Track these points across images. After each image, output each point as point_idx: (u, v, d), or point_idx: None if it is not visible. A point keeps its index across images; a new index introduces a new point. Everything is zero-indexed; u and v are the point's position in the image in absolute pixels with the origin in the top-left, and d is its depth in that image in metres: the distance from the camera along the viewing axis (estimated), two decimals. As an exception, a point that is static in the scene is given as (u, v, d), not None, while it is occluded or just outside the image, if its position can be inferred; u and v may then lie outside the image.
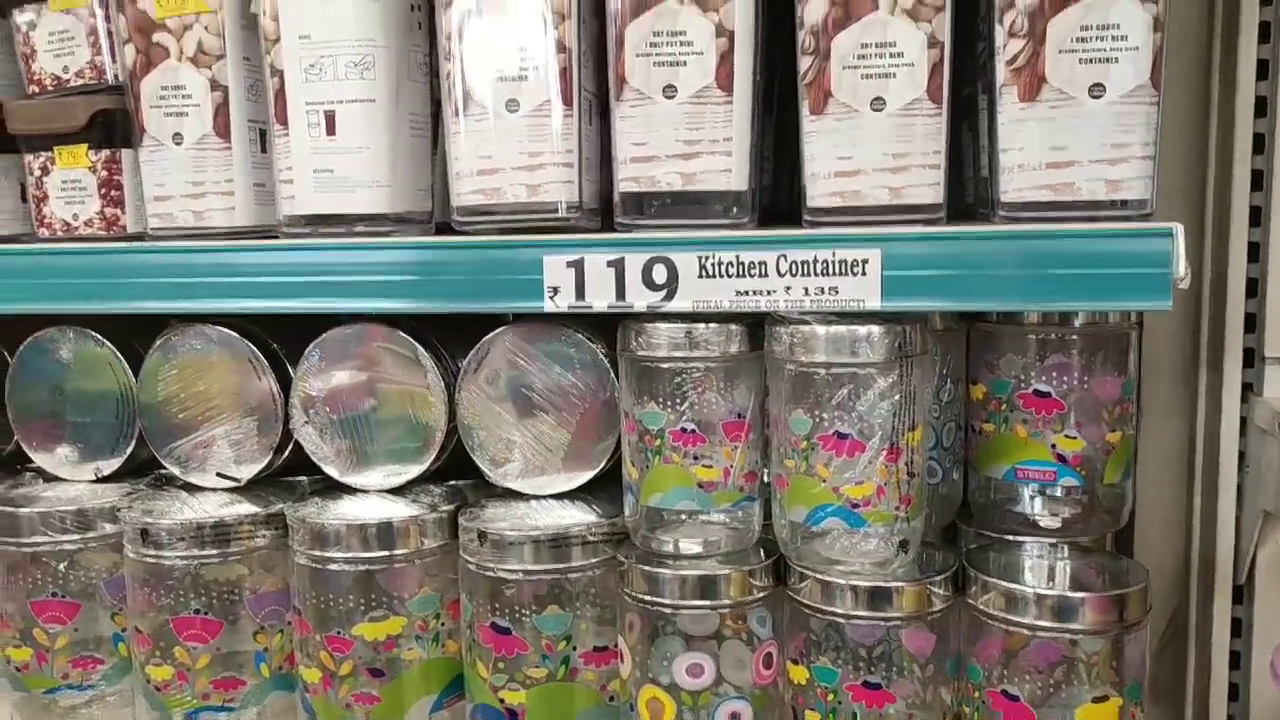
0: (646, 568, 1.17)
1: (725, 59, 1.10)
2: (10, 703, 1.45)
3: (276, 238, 1.26)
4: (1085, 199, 1.01)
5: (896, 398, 1.07)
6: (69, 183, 1.37)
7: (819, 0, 1.07)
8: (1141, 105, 0.99)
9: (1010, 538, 1.21)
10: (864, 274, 1.05)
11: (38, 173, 1.38)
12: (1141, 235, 0.97)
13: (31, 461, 1.51)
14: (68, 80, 1.38)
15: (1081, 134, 1.00)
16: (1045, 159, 1.02)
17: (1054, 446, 1.17)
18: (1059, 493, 1.19)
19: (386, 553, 1.27)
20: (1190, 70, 1.37)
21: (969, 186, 1.27)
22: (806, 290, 1.07)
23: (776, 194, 1.37)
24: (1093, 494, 1.19)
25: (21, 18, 1.38)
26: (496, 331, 1.28)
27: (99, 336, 1.43)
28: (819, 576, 1.13)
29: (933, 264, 1.03)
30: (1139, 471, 1.33)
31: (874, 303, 1.05)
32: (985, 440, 1.20)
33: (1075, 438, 1.17)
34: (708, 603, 1.16)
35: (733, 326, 1.14)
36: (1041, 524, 1.19)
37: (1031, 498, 1.20)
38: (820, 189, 1.09)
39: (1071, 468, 1.17)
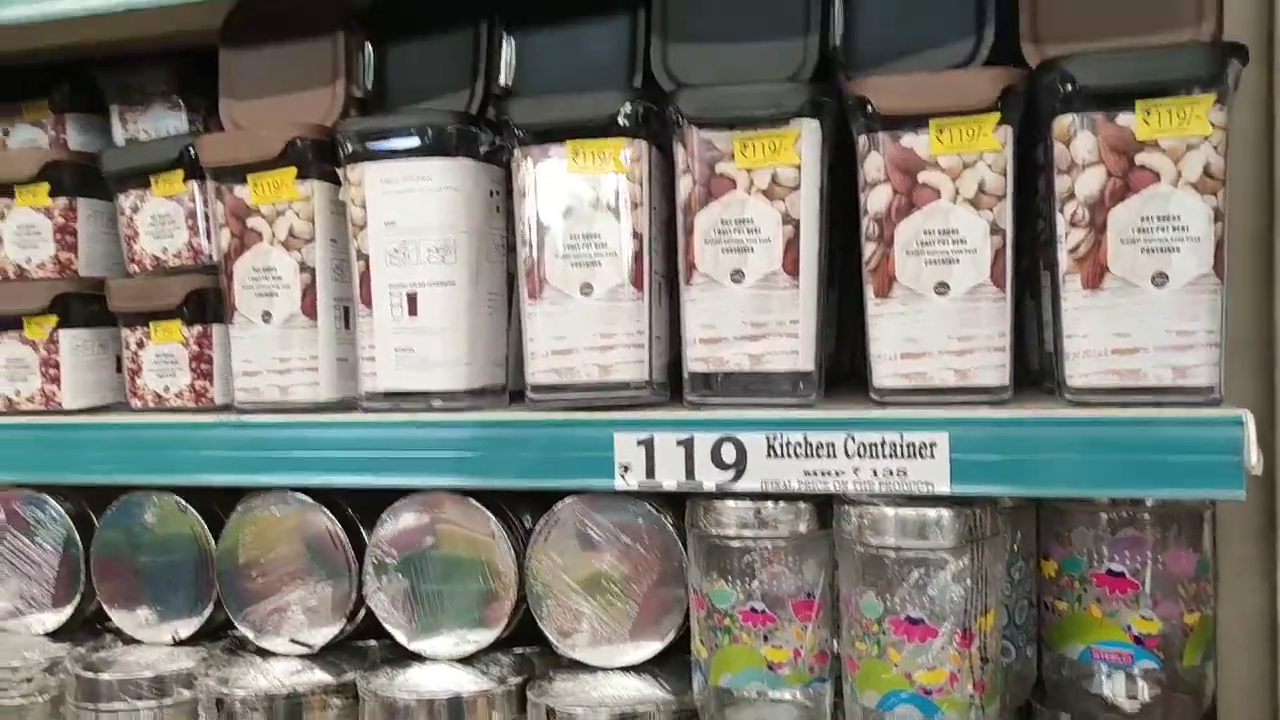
0: (717, 748, 1.15)
1: (791, 245, 1.13)
2: None
3: (358, 411, 1.30)
4: (1152, 385, 1.01)
5: (968, 582, 1.06)
6: (162, 356, 1.42)
7: (883, 188, 1.10)
8: (1205, 294, 1.00)
9: (1089, 720, 1.17)
10: (932, 457, 1.05)
11: (134, 346, 1.43)
12: (1211, 423, 0.96)
13: (111, 621, 1.53)
14: (166, 260, 1.44)
15: (1146, 322, 1.01)
16: (1110, 345, 1.02)
17: (1129, 628, 1.14)
18: (1137, 673, 1.16)
19: (456, 726, 1.26)
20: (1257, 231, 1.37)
21: (1033, 355, 1.27)
22: (875, 472, 1.07)
23: (840, 355, 1.38)
24: (1173, 675, 1.15)
25: (126, 202, 1.45)
26: (566, 501, 1.29)
27: (182, 501, 1.46)
28: (893, 761, 1.10)
29: (1001, 448, 1.03)
30: (1219, 636, 1.29)
31: (943, 486, 1.04)
32: (1059, 619, 1.18)
33: (1151, 618, 1.14)
34: (779, 785, 1.14)
35: (801, 505, 1.14)
36: (1121, 707, 1.15)
37: (1108, 678, 1.17)
38: (886, 370, 1.10)
39: (1149, 650, 1.14)
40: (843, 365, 1.38)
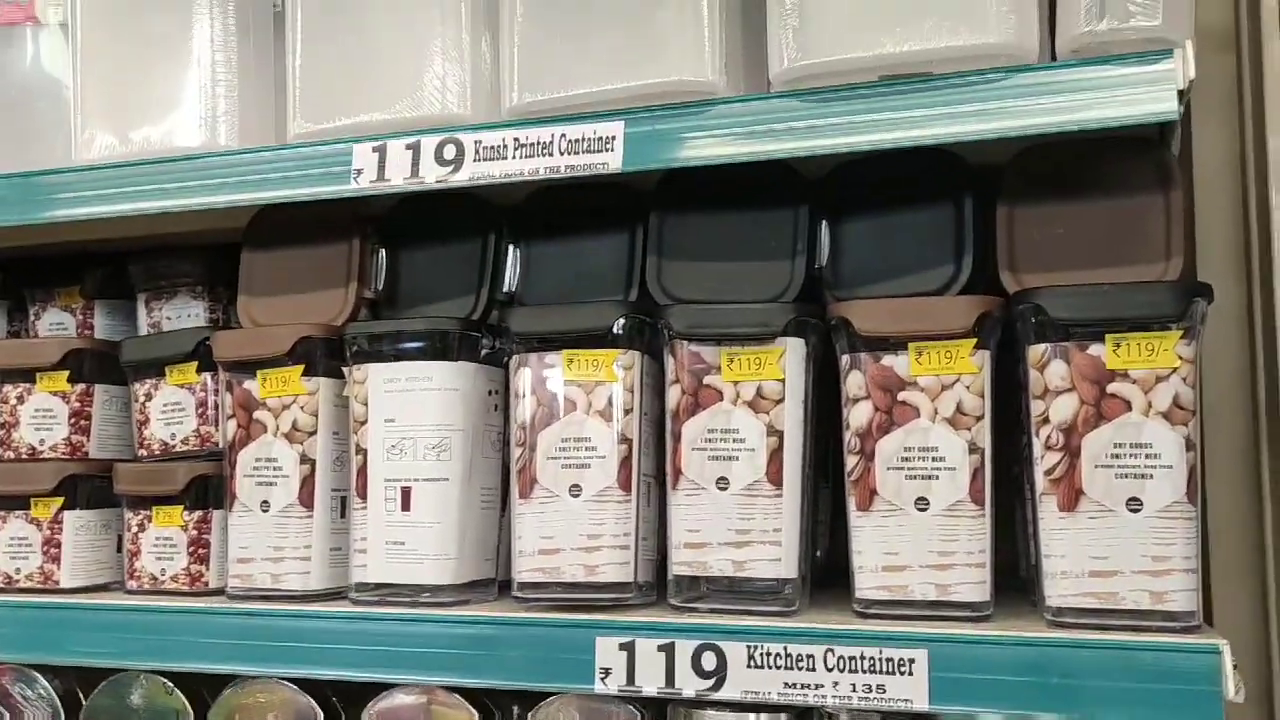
0: None
1: (775, 456, 1.12)
2: None
3: (347, 602, 1.26)
4: (1130, 608, 0.98)
5: (949, 806, 1.00)
6: (162, 540, 1.39)
7: (864, 405, 1.09)
8: (1180, 520, 0.98)
9: None
10: (911, 674, 1.01)
11: (135, 529, 1.41)
12: (1188, 651, 0.93)
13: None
14: (174, 446, 1.43)
15: (1122, 545, 0.99)
16: (1088, 567, 1.00)
17: None
18: None
19: None
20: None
21: (1022, 563, 1.24)
22: (854, 687, 1.03)
23: (834, 552, 1.34)
24: None
25: (141, 389, 1.46)
26: (550, 700, 1.24)
27: (169, 685, 1.40)
28: None
29: (980, 667, 0.99)
30: None
31: (921, 704, 1.00)
32: None
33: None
34: None
35: (781, 717, 1.09)
36: None
37: None
38: (868, 581, 1.08)
39: None
40: (838, 562, 1.34)
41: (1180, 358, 0.99)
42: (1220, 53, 1.37)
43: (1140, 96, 0.99)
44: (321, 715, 1.31)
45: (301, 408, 1.31)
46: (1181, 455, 0.98)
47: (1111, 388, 1.00)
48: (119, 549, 1.48)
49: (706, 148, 1.14)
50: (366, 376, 1.27)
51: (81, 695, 1.47)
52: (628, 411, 1.18)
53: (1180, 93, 0.98)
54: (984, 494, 1.05)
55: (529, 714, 1.24)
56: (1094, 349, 1.01)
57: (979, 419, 1.06)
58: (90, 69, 1.42)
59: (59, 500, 1.43)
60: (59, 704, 1.46)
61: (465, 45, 1.26)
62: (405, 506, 1.24)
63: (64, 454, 1.47)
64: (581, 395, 1.19)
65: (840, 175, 1.22)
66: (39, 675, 1.46)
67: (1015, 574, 1.21)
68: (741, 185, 1.22)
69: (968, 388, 1.06)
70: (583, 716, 1.22)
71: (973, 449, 1.06)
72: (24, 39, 1.53)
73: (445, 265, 1.39)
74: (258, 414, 1.33)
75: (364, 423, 1.27)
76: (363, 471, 1.26)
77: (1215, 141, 1.33)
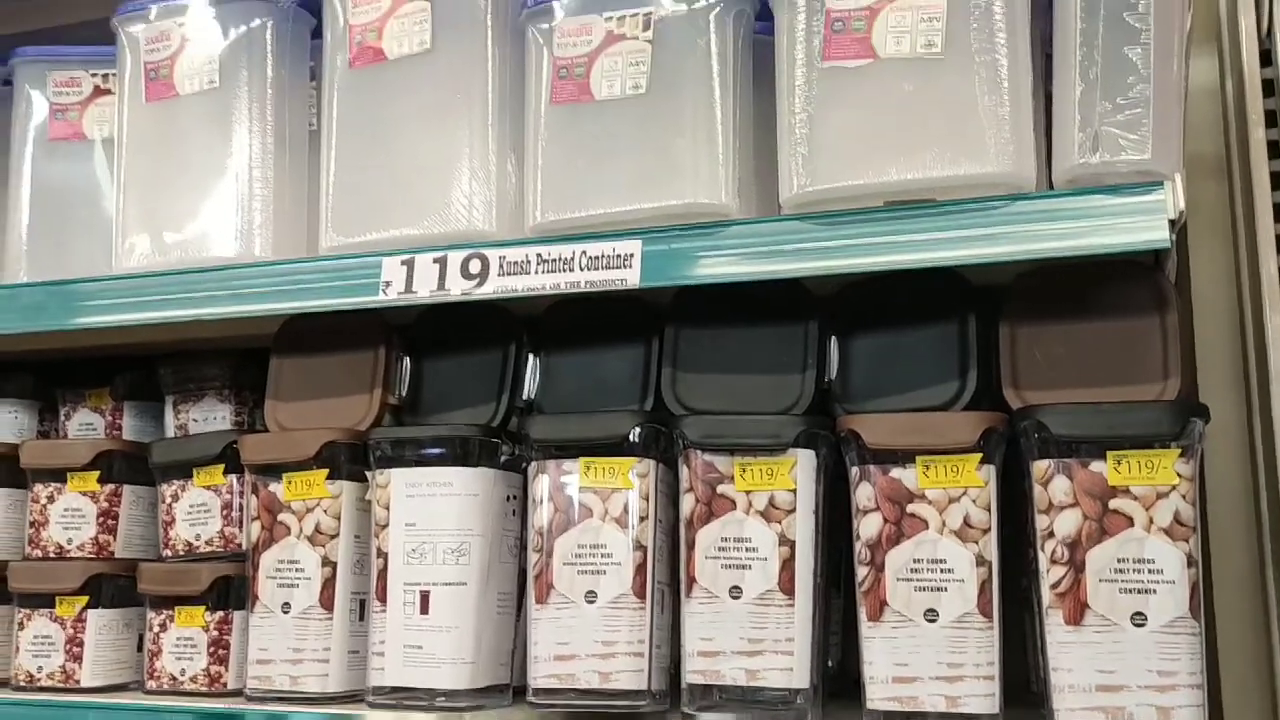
0: None
1: (787, 565, 1.14)
2: None
3: (364, 704, 1.27)
4: (1138, 725, 0.99)
5: None
6: (183, 640, 1.40)
7: (873, 516, 1.12)
8: (1184, 635, 0.99)
9: None
10: (923, 786, 1.01)
11: (156, 629, 1.42)
12: (1197, 769, 0.93)
13: None
14: (198, 547, 1.45)
15: (1128, 660, 1.00)
16: (1094, 681, 1.01)
17: None
18: None
19: None
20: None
21: (1033, 675, 1.24)
22: (867, 800, 1.03)
23: (847, 661, 1.34)
24: None
25: (168, 489, 1.48)
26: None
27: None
28: None
29: (990, 781, 1.00)
30: None
31: (934, 818, 1.00)
32: None
33: None
34: None
35: (794, 828, 1.09)
36: None
37: None
38: (879, 692, 1.09)
39: None
40: (850, 671, 1.34)
41: (1179, 475, 1.01)
42: (1212, 179, 1.42)
43: (1133, 225, 1.04)
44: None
45: (325, 511, 1.33)
46: (1184, 571, 1.00)
47: (1114, 504, 1.03)
48: (139, 648, 1.49)
49: (721, 266, 1.18)
50: (389, 481, 1.29)
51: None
52: (643, 519, 1.21)
53: (1171, 222, 1.02)
54: (992, 606, 1.07)
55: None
56: (1096, 465, 1.04)
57: (986, 532, 1.08)
58: (132, 182, 1.48)
59: (83, 599, 1.44)
60: (72, 804, 1.46)
61: (492, 165, 1.32)
62: (424, 610, 1.26)
63: (90, 553, 1.49)
64: (598, 502, 1.22)
65: (848, 293, 1.26)
66: (54, 774, 1.46)
67: (1026, 688, 1.21)
68: (753, 300, 1.26)
69: (974, 501, 1.08)
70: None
71: (980, 561, 1.08)
72: (70, 153, 1.60)
73: (467, 372, 1.43)
74: (282, 516, 1.35)
75: (385, 526, 1.29)
76: (383, 575, 1.28)
77: (1211, 263, 1.37)
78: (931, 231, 1.11)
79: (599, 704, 1.17)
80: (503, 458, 1.30)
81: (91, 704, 1.38)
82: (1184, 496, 1.01)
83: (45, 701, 1.40)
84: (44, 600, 1.46)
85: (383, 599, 1.28)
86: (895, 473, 1.11)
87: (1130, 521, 1.01)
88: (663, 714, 1.18)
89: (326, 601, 1.31)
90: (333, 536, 1.33)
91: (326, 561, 1.32)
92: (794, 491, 1.14)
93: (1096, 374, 1.12)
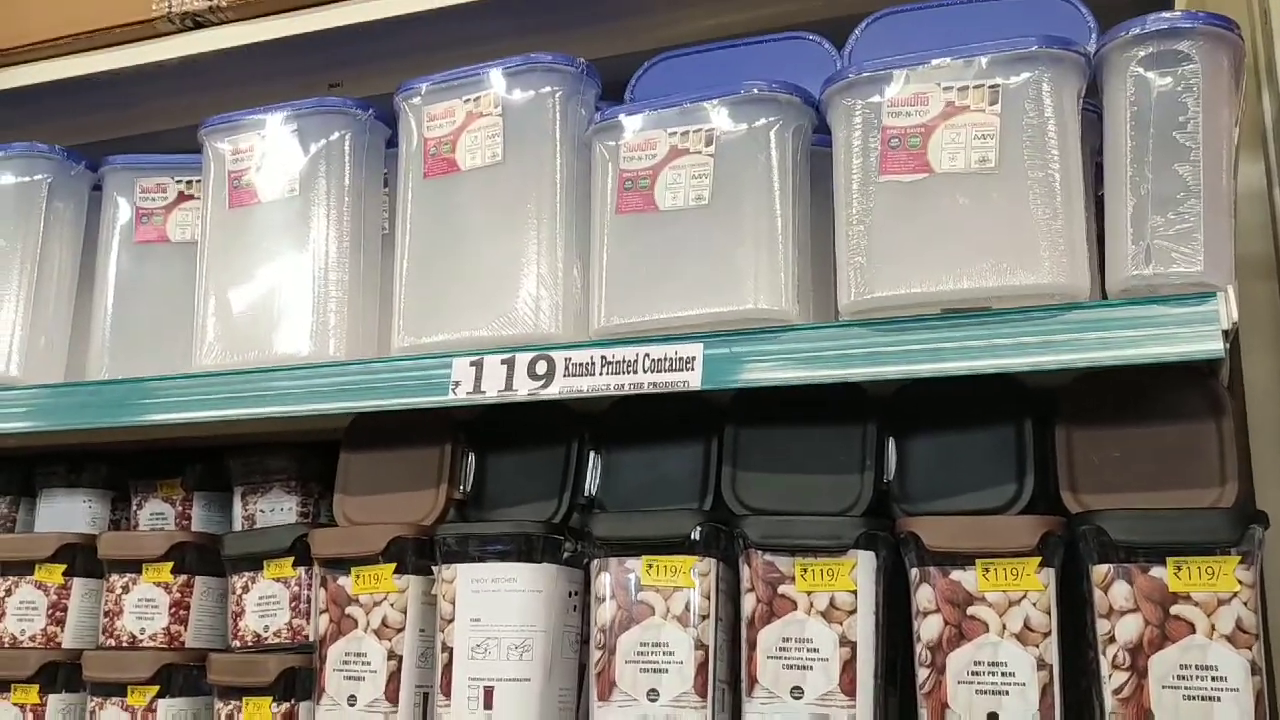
0: None
1: (848, 666, 1.15)
2: None
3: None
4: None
5: None
6: (250, 731, 1.43)
7: (934, 618, 1.13)
8: (1250, 741, 0.99)
9: None
10: None
11: (224, 719, 1.45)
12: None
13: None
14: (266, 638, 1.48)
15: (1195, 768, 1.00)
16: (1161, 789, 1.00)
17: None
18: None
19: None
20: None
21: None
22: None
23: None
24: None
25: (238, 581, 1.52)
26: None
27: None
28: None
29: None
30: None
31: None
32: None
33: None
34: None
35: None
36: None
37: None
38: (941, 798, 1.09)
39: None
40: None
41: (1240, 582, 1.02)
42: (1263, 280, 1.44)
43: (1187, 335, 1.06)
44: None
45: (391, 605, 1.36)
46: (1248, 678, 1.00)
47: (1175, 609, 1.03)
48: (207, 743, 1.51)
49: (780, 370, 1.22)
50: (455, 576, 1.32)
51: None
52: (704, 617, 1.22)
53: (1225, 332, 1.05)
54: (1054, 710, 1.07)
55: None
56: (1156, 571, 1.05)
57: (1046, 635, 1.09)
58: (213, 283, 1.54)
59: (154, 689, 1.47)
60: None
61: (559, 271, 1.37)
62: (488, 705, 1.27)
63: (163, 643, 1.53)
64: (660, 600, 1.24)
65: (905, 395, 1.29)
66: None
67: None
68: (812, 402, 1.29)
69: (1034, 604, 1.09)
70: None
71: (1041, 664, 1.08)
72: (154, 256, 1.67)
73: (529, 469, 1.46)
74: (349, 609, 1.38)
75: (450, 621, 1.32)
76: (448, 669, 1.31)
77: (1263, 366, 1.39)
78: (988, 339, 1.13)
79: (661, 806, 1.18)
80: (565, 554, 1.33)
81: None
82: (1245, 603, 1.01)
83: (114, 790, 1.43)
84: (116, 689, 1.49)
85: (447, 693, 1.30)
86: (955, 575, 1.12)
87: (1192, 628, 1.02)
88: (725, 817, 1.19)
89: (392, 695, 1.34)
90: (399, 630, 1.36)
91: (392, 655, 1.35)
92: (854, 592, 1.16)
93: (1153, 479, 1.13)
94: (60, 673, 1.54)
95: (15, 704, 1.53)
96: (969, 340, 1.14)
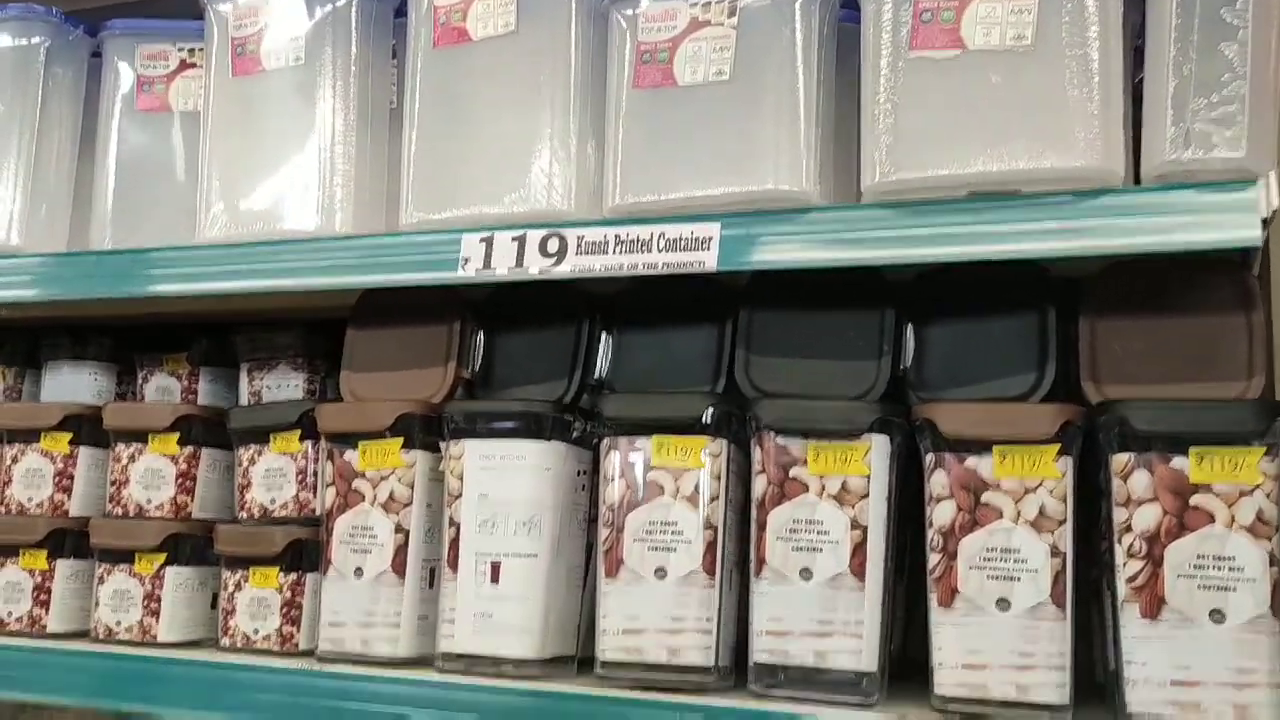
0: None
1: (859, 549, 1.11)
2: None
3: (433, 669, 1.25)
4: (1213, 720, 0.96)
5: None
6: (256, 600, 1.39)
7: (947, 504, 1.08)
8: (1263, 635, 0.96)
9: None
10: (993, 773, 0.98)
11: (231, 588, 1.41)
12: (1275, 767, 0.90)
13: None
14: (273, 511, 1.44)
15: (1205, 657, 0.96)
16: (1170, 676, 0.97)
17: None
18: None
19: None
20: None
21: (1099, 668, 1.21)
22: (935, 783, 1.00)
23: (907, 646, 1.31)
24: None
25: (245, 454, 1.47)
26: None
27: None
28: None
29: (1062, 770, 0.97)
30: None
31: (1003, 805, 0.97)
32: None
33: None
34: None
35: (860, 809, 1.07)
36: None
37: None
38: (948, 678, 1.06)
39: None
40: (911, 655, 1.31)
41: (1264, 474, 0.97)
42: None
43: (1224, 222, 0.99)
44: (399, 779, 1.30)
45: (399, 479, 1.31)
46: (1265, 570, 0.96)
47: (1194, 500, 0.99)
48: (213, 606, 1.48)
49: (799, 252, 1.15)
50: (463, 452, 1.27)
51: (167, 747, 1.46)
52: (714, 498, 1.18)
53: (1264, 220, 0.98)
54: (1065, 597, 1.03)
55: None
56: (1177, 461, 1.00)
57: (1061, 523, 1.05)
58: (216, 154, 1.46)
59: (162, 556, 1.44)
60: (145, 753, 1.45)
61: (572, 147, 1.29)
62: (494, 579, 1.24)
63: (169, 513, 1.48)
64: (670, 480, 1.19)
65: (925, 281, 1.23)
66: (129, 723, 1.46)
67: (1090, 678, 1.18)
68: (829, 287, 1.23)
69: (1050, 492, 1.05)
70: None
71: (1055, 552, 1.04)
72: (155, 125, 1.58)
73: (538, 350, 1.40)
74: (356, 484, 1.33)
75: (458, 497, 1.27)
76: (455, 544, 1.26)
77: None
78: (1015, 223, 1.07)
79: (667, 678, 1.15)
80: (574, 433, 1.28)
81: (172, 659, 1.36)
82: (1268, 495, 0.97)
83: (126, 655, 1.40)
84: (124, 556, 1.45)
85: (454, 567, 1.26)
86: (970, 462, 1.08)
87: (1211, 518, 0.98)
88: (728, 691, 1.16)
89: (398, 567, 1.30)
90: (406, 505, 1.31)
91: (399, 529, 1.31)
92: (868, 477, 1.11)
93: (1178, 371, 1.08)
94: (68, 539, 1.50)
95: (24, 568, 1.49)
96: (996, 225, 1.08)
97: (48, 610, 1.49)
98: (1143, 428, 1.01)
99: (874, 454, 1.12)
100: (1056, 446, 1.05)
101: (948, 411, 1.09)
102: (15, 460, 1.56)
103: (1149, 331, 1.11)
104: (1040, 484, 1.05)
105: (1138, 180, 1.08)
